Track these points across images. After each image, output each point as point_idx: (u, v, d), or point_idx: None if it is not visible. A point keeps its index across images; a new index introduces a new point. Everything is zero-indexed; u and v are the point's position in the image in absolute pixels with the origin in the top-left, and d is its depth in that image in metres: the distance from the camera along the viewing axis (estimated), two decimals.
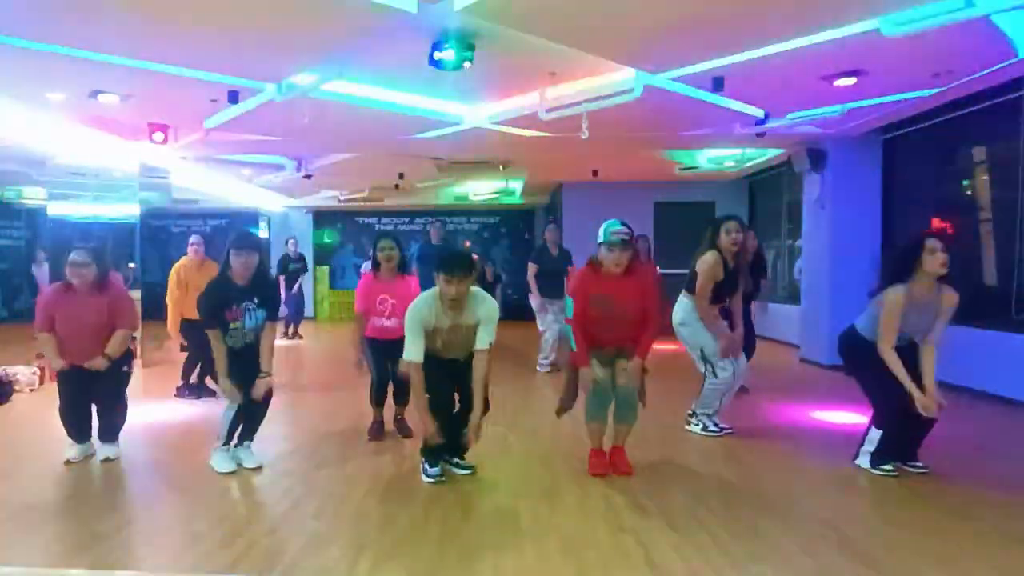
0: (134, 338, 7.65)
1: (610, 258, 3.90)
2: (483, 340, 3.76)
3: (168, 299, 6.25)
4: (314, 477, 3.97)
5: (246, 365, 4.01)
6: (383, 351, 4.69)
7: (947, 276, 3.85)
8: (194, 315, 5.76)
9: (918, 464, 4.03)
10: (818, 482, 3.97)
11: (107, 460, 4.22)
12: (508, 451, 4.52)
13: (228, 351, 3.96)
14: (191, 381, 6.28)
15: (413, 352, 3.67)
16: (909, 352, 3.94)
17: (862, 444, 4.11)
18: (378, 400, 4.86)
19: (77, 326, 4.14)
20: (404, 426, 4.88)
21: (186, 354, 6.40)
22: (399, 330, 4.19)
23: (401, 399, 4.87)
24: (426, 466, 3.90)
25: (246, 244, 3.97)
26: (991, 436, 5.10)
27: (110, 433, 4.32)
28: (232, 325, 3.93)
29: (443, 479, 3.84)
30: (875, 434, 4.04)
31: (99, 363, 4.14)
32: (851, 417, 5.39)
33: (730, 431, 4.89)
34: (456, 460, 4.01)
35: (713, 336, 4.74)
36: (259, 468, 4.10)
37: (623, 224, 3.91)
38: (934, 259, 3.79)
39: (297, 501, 3.56)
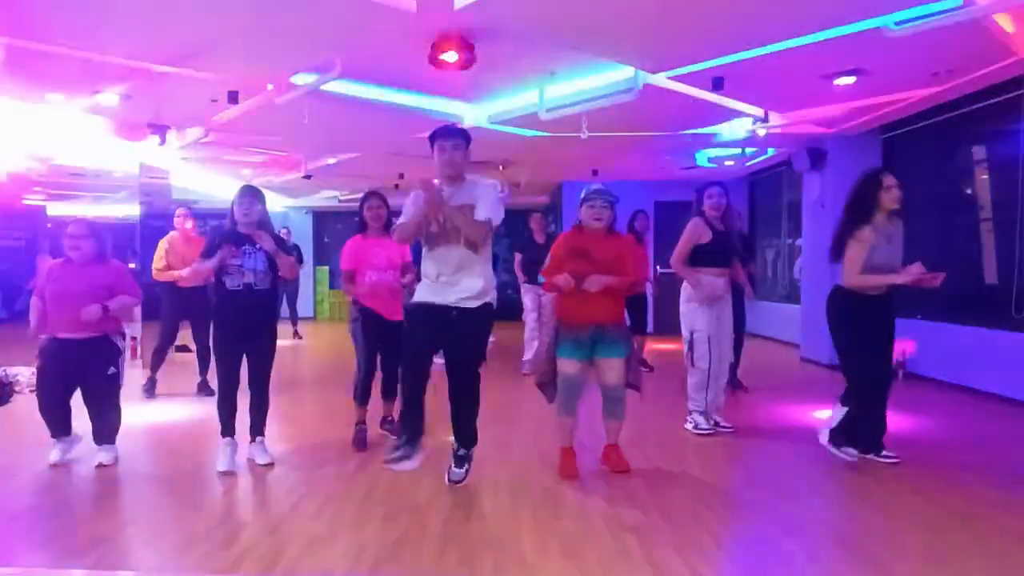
0: (134, 337, 7.62)
1: (590, 214, 3.93)
2: (481, 213, 3.45)
3: (154, 267, 6.23)
4: (315, 478, 3.96)
5: (241, 311, 4.04)
6: (374, 330, 4.49)
7: (898, 210, 4.00)
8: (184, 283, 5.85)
9: (890, 454, 4.06)
10: (819, 482, 3.97)
11: (101, 465, 4.11)
12: (508, 451, 4.52)
13: (226, 294, 4.02)
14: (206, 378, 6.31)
15: (404, 218, 3.58)
16: (885, 306, 3.98)
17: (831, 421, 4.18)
18: (363, 395, 4.60)
19: (66, 296, 4.04)
20: (395, 430, 4.63)
21: (191, 354, 6.45)
22: (395, 295, 4.26)
23: (390, 394, 4.70)
24: (397, 447, 3.51)
25: (247, 192, 4.11)
26: (991, 435, 5.10)
27: (105, 436, 4.23)
28: (232, 262, 3.99)
29: (407, 457, 3.49)
30: (839, 411, 4.08)
31: (92, 311, 3.97)
32: None
33: (729, 429, 4.89)
34: (459, 449, 3.78)
35: (705, 320, 4.77)
36: (270, 465, 4.13)
37: (603, 187, 4.01)
38: (890, 195, 3.92)
39: (298, 502, 3.56)
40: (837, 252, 4.08)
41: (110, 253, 4.32)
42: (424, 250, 3.64)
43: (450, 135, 3.55)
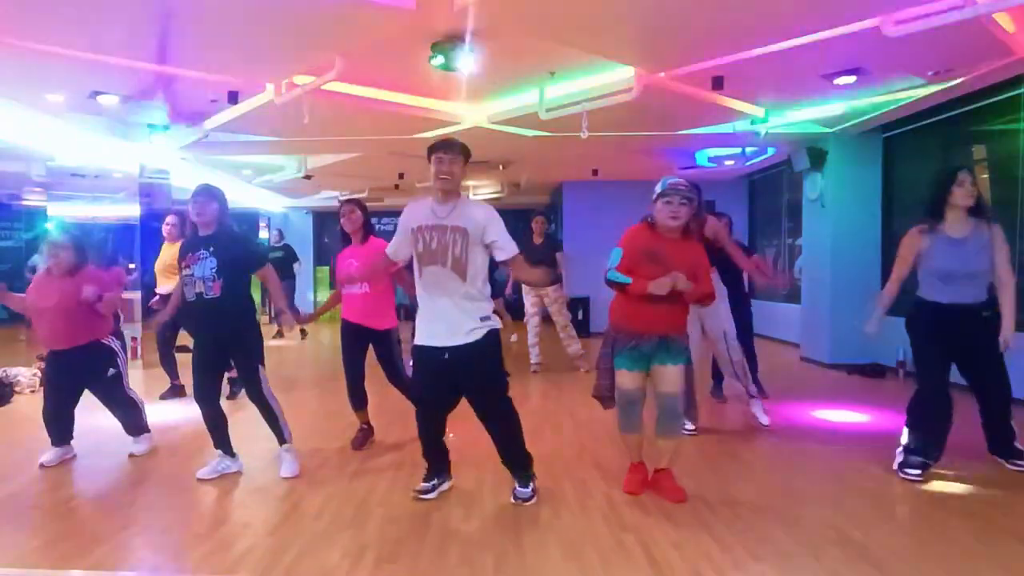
0: (134, 338, 7.64)
1: (666, 211, 3.41)
2: (503, 251, 3.33)
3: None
4: (315, 478, 3.96)
5: (201, 322, 3.91)
6: (353, 338, 4.42)
7: (978, 210, 3.72)
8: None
9: (1019, 462, 3.83)
10: (819, 481, 3.96)
11: (132, 456, 4.37)
12: None
13: (186, 305, 3.90)
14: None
15: (392, 248, 3.52)
16: (960, 320, 3.71)
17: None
18: (355, 402, 4.53)
19: (43, 311, 4.10)
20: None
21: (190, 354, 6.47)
22: (370, 305, 4.22)
23: (405, 392, 4.47)
24: (422, 481, 3.62)
25: (199, 191, 3.90)
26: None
27: (133, 430, 4.44)
28: (184, 272, 3.86)
29: (431, 496, 3.57)
30: (905, 432, 3.93)
31: (89, 292, 4.02)
32: (852, 416, 5.39)
33: (691, 431, 4.84)
34: (515, 489, 3.57)
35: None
36: (295, 478, 3.94)
37: (682, 180, 3.48)
38: (962, 190, 3.66)
39: (298, 502, 3.56)
40: None
41: (92, 255, 4.35)
42: (416, 272, 3.41)
43: (450, 148, 3.34)
